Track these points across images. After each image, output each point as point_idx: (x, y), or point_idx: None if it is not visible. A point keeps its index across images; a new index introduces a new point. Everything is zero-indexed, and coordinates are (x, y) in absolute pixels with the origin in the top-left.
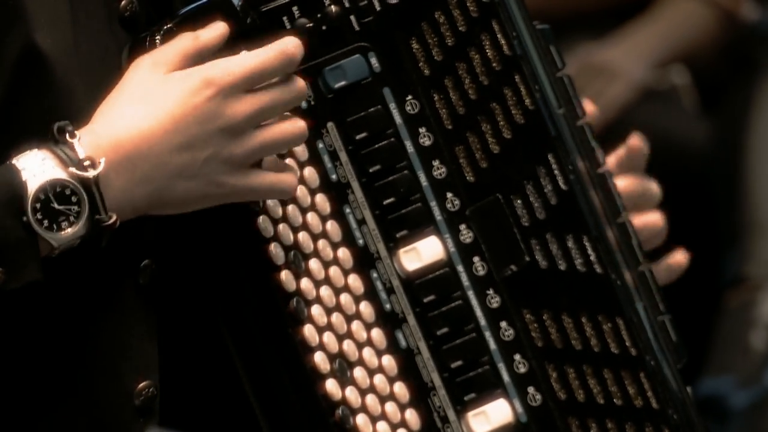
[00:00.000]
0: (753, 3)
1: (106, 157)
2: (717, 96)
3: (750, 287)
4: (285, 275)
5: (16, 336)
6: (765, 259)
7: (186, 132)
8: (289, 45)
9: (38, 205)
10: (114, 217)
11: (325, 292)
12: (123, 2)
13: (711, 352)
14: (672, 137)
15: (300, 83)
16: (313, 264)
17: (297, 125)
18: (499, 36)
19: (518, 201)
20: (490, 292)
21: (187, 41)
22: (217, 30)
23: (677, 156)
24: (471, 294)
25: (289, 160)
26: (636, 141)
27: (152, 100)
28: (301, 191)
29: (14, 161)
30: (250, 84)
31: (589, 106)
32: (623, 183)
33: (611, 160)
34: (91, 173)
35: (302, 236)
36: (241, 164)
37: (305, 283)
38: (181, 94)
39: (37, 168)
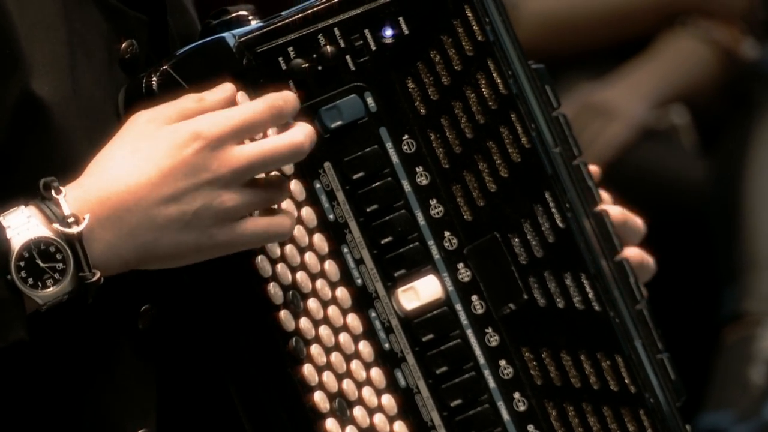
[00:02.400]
0: (752, 42)
1: (91, 213)
2: (715, 135)
3: (748, 323)
4: (284, 315)
5: (13, 381)
6: (763, 295)
7: (174, 185)
8: (278, 98)
9: (22, 263)
10: (98, 275)
11: (323, 331)
12: (123, 45)
13: (710, 386)
14: (671, 176)
15: (293, 140)
16: (312, 303)
17: (281, 184)
18: (494, 75)
19: (516, 239)
20: (489, 330)
21: (190, 102)
22: (223, 93)
23: (676, 194)
24: (470, 333)
25: (286, 201)
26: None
27: (140, 153)
28: (299, 231)
29: (0, 218)
30: (239, 137)
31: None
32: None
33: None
34: (75, 230)
35: (300, 276)
36: (232, 216)
37: (304, 323)
38: (169, 147)
39: (22, 226)
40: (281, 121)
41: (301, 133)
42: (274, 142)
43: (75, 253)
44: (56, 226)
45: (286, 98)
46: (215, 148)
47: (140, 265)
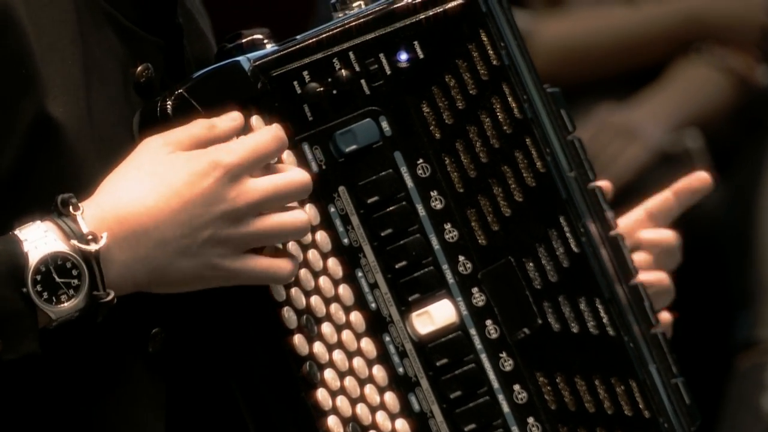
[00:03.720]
0: (765, 68)
1: (109, 232)
2: (729, 160)
3: (761, 350)
4: (298, 339)
5: (23, 404)
6: None
7: (191, 212)
8: (278, 129)
9: (39, 277)
10: (111, 295)
11: (337, 356)
12: (139, 68)
13: (722, 413)
14: None
15: (303, 178)
16: (326, 328)
17: (299, 218)
18: (509, 99)
19: (530, 264)
20: (503, 355)
21: (201, 128)
22: (232, 121)
23: (689, 219)
24: (484, 357)
25: (292, 208)
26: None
27: (159, 178)
28: (314, 255)
29: (17, 232)
30: (254, 168)
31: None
32: (652, 235)
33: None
34: (93, 247)
35: (315, 300)
36: (236, 248)
37: (318, 347)
38: (189, 174)
39: (39, 240)
40: (282, 152)
41: (303, 173)
42: (287, 177)
43: (91, 270)
44: (74, 242)
45: (279, 128)
46: (232, 179)
47: (149, 287)
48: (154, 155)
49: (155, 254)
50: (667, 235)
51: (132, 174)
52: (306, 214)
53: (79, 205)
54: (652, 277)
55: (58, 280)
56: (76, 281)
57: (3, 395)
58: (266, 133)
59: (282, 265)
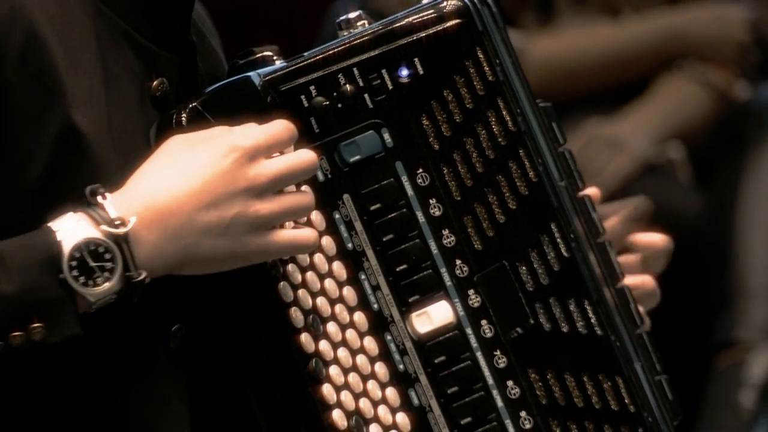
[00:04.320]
0: (744, 83)
1: (137, 215)
2: (710, 170)
3: (739, 350)
4: (304, 338)
5: (54, 397)
6: (753, 323)
7: (214, 192)
8: (289, 125)
9: (74, 263)
10: (144, 274)
11: (342, 353)
12: (155, 83)
13: (703, 410)
14: (667, 208)
15: (312, 156)
16: (331, 327)
17: (308, 196)
18: (504, 113)
19: (523, 267)
20: (497, 353)
21: (220, 128)
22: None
23: (672, 226)
24: (479, 355)
25: (303, 191)
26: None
27: (181, 164)
28: (319, 259)
29: (51, 224)
30: (269, 151)
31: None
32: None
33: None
34: (122, 230)
35: (320, 301)
36: (264, 224)
37: (323, 345)
38: (209, 158)
39: (72, 228)
40: (291, 143)
41: (310, 153)
42: (297, 156)
43: (122, 252)
44: (104, 227)
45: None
46: (251, 159)
47: (181, 267)
48: (178, 148)
49: (183, 233)
50: (659, 238)
51: (157, 165)
52: (310, 193)
53: (107, 194)
54: (638, 280)
55: (92, 264)
56: (110, 264)
57: (34, 386)
58: (279, 124)
59: (306, 234)
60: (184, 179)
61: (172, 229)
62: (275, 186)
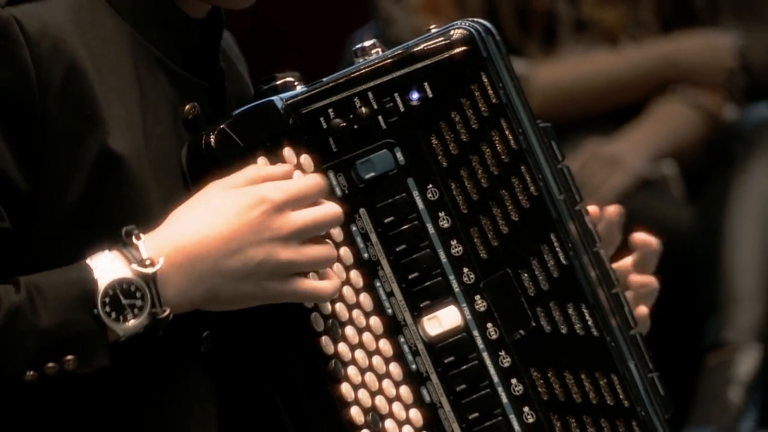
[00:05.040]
0: (732, 106)
1: (166, 257)
2: (700, 185)
3: (728, 350)
4: (324, 340)
5: (95, 399)
6: (740, 326)
7: (240, 239)
8: (318, 177)
9: (107, 300)
10: (168, 311)
11: (359, 354)
12: (187, 107)
13: (694, 405)
14: (661, 220)
15: (336, 210)
16: (349, 330)
17: (331, 249)
18: (507, 132)
19: (525, 274)
20: (502, 353)
21: (254, 172)
22: (281, 168)
23: (666, 236)
24: (485, 355)
25: (327, 243)
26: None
27: (213, 210)
28: (338, 268)
29: (88, 261)
30: (296, 204)
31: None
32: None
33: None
34: (150, 270)
35: (339, 307)
36: (284, 271)
37: (342, 347)
38: (239, 207)
39: (107, 267)
40: (323, 196)
41: (336, 207)
42: (323, 209)
43: (150, 291)
44: (135, 266)
45: (322, 179)
46: (277, 211)
47: (204, 306)
48: (213, 193)
49: (210, 277)
50: (653, 239)
51: (191, 209)
52: (332, 246)
53: (141, 235)
54: (644, 279)
55: (124, 301)
56: (140, 302)
57: (72, 392)
58: (310, 179)
59: (323, 286)
60: (214, 225)
61: (198, 271)
62: (299, 237)
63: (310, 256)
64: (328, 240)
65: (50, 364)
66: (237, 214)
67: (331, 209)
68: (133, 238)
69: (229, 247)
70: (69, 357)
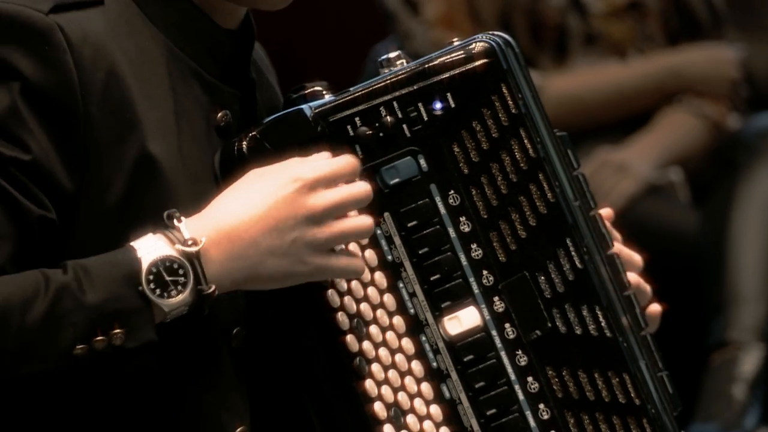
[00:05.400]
0: (736, 115)
1: (207, 237)
2: (705, 191)
3: (732, 349)
4: (350, 338)
5: (136, 389)
6: (744, 325)
7: (276, 217)
8: (352, 158)
9: (151, 277)
10: (213, 287)
11: (382, 352)
12: (219, 114)
13: (700, 401)
14: (668, 224)
15: (366, 188)
16: (373, 329)
17: (366, 221)
18: (525, 141)
19: (542, 277)
20: (519, 352)
21: (293, 162)
22: (316, 155)
23: (672, 240)
24: (503, 354)
25: (353, 245)
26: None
27: (249, 193)
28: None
29: (132, 243)
30: (328, 183)
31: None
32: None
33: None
34: (193, 249)
35: (364, 306)
36: (321, 247)
37: (366, 345)
38: (274, 187)
39: (150, 247)
40: (355, 176)
41: (366, 185)
42: (352, 188)
43: (194, 268)
44: (178, 246)
45: (355, 160)
46: (311, 189)
47: (246, 283)
48: (251, 178)
49: (249, 254)
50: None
51: (230, 193)
52: (370, 218)
53: (182, 218)
54: (635, 280)
55: (167, 278)
56: (182, 279)
57: (114, 380)
58: (341, 159)
59: (357, 262)
60: (251, 206)
61: (238, 249)
62: (332, 213)
63: (344, 231)
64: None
65: (99, 338)
66: (272, 194)
67: (362, 188)
68: (175, 220)
69: (266, 225)
70: (116, 331)
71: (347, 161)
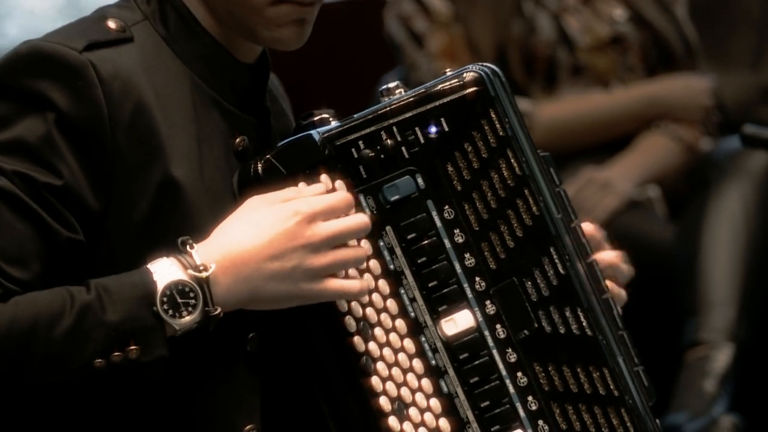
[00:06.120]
0: (707, 139)
1: (216, 263)
2: (680, 206)
3: (704, 348)
4: (357, 340)
5: (153, 391)
6: (715, 327)
7: (278, 247)
8: (345, 194)
9: (165, 299)
10: (218, 310)
11: (386, 352)
12: (237, 140)
13: (674, 394)
14: (647, 236)
15: (363, 220)
16: (378, 331)
17: (358, 251)
18: (512, 161)
19: (528, 282)
20: (509, 350)
21: (290, 192)
22: (314, 189)
23: (651, 250)
24: (495, 352)
25: (355, 246)
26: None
27: (254, 223)
28: (368, 277)
29: (149, 266)
30: (326, 216)
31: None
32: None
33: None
34: (204, 274)
35: (369, 311)
36: (318, 274)
37: (372, 346)
38: (276, 219)
39: (165, 271)
40: (348, 210)
41: (363, 217)
42: (350, 219)
43: (204, 292)
44: (190, 271)
45: (350, 197)
46: (309, 222)
47: (249, 305)
48: (253, 208)
49: (252, 278)
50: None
51: (236, 222)
52: (364, 249)
53: (194, 244)
54: (615, 290)
55: (179, 300)
56: (193, 301)
57: (137, 383)
58: (338, 195)
59: (351, 285)
60: (255, 235)
61: (243, 275)
62: (329, 243)
63: (339, 260)
64: (363, 242)
65: (116, 353)
66: (274, 225)
67: (357, 219)
68: (188, 246)
69: (268, 253)
70: (132, 347)
71: (342, 196)
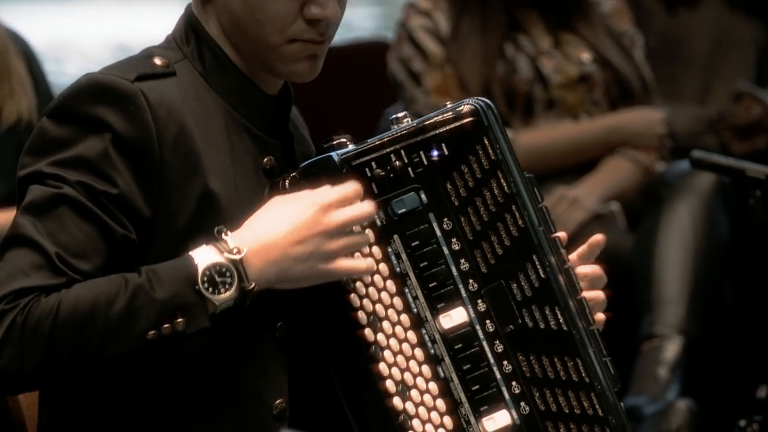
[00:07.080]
0: (662, 162)
1: (248, 247)
2: (638, 219)
3: (658, 340)
4: (367, 331)
5: (196, 369)
6: (667, 322)
7: (299, 233)
8: (354, 185)
9: (205, 278)
10: (253, 285)
11: (392, 342)
12: (265, 160)
13: (633, 380)
14: (609, 245)
15: (370, 207)
16: (385, 324)
17: (363, 237)
18: (502, 181)
19: (514, 284)
20: (497, 342)
21: (306, 191)
22: (325, 187)
23: (613, 256)
24: (485, 343)
25: (370, 259)
26: (598, 237)
27: (279, 215)
28: (377, 278)
29: (190, 252)
30: (339, 205)
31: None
32: (588, 269)
33: (574, 256)
34: (237, 256)
35: (378, 307)
36: (332, 256)
37: (380, 337)
38: (297, 211)
39: (204, 255)
40: (358, 198)
41: (370, 204)
42: (359, 207)
43: (238, 271)
44: (226, 254)
45: (360, 188)
46: (325, 211)
47: (277, 284)
48: (277, 203)
49: (279, 260)
50: (594, 269)
51: (263, 215)
52: (367, 235)
53: (228, 232)
54: (593, 294)
55: (218, 279)
56: (229, 279)
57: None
58: (348, 185)
59: (359, 263)
60: (279, 224)
61: (272, 258)
62: (342, 229)
63: (350, 244)
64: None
65: (165, 325)
66: (296, 216)
67: (365, 207)
68: (223, 234)
69: (293, 239)
70: (179, 319)
71: (351, 187)
